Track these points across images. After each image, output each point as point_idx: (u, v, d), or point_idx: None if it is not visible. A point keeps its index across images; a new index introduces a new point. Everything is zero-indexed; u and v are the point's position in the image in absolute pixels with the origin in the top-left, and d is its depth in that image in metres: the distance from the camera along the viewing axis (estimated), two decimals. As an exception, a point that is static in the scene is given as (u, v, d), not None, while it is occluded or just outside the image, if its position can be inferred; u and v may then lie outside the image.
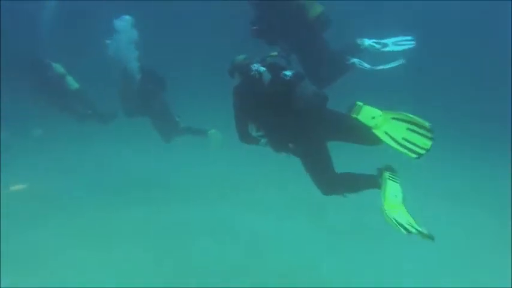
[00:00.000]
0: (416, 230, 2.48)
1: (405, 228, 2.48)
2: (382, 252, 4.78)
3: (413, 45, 4.26)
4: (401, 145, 2.64)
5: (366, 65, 4.17)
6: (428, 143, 2.60)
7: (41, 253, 4.90)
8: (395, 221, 2.53)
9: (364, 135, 2.89)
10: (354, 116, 2.78)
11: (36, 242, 5.15)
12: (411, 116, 2.66)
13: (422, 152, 2.60)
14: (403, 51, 4.24)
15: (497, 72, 10.40)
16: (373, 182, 2.97)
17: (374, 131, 2.73)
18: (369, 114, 2.74)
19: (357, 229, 5.46)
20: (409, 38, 4.29)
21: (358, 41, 4.30)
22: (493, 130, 8.53)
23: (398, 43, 4.27)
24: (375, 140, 2.84)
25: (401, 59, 4.13)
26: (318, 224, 5.67)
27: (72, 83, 6.55)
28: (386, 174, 2.83)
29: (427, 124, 2.61)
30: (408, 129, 2.64)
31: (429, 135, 2.60)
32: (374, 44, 4.24)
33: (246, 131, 3.33)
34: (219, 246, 5.13)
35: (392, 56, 4.21)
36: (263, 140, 3.33)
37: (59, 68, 6.52)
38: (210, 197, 6.54)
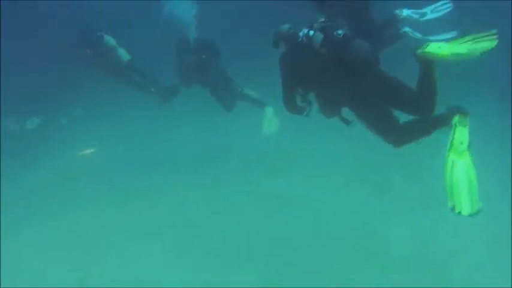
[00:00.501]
0: (472, 196, 2.48)
1: (462, 185, 2.49)
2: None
3: (450, 8, 4.35)
4: (467, 53, 2.69)
5: (417, 34, 4.27)
6: (493, 43, 2.65)
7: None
8: (456, 174, 2.55)
9: (418, 101, 2.95)
10: (422, 50, 2.81)
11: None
12: (477, 34, 2.73)
13: (489, 48, 2.65)
14: (443, 16, 4.34)
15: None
16: (443, 121, 2.86)
17: (441, 54, 2.76)
18: (435, 46, 2.80)
19: (423, 197, 5.18)
20: (446, 1, 4.37)
21: (397, 11, 4.35)
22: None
23: (436, 9, 4.35)
24: (428, 107, 2.93)
25: (454, 31, 4.11)
26: (383, 193, 5.50)
27: (124, 54, 6.67)
28: (456, 118, 2.77)
29: (493, 31, 2.67)
30: (474, 41, 2.71)
31: (494, 37, 2.66)
32: (412, 14, 4.32)
33: (293, 101, 3.30)
34: (285, 215, 5.18)
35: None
36: (309, 109, 3.30)
37: (110, 40, 6.61)
38: (275, 168, 6.43)
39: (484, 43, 2.67)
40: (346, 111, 3.21)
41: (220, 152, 6.98)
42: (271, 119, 5.94)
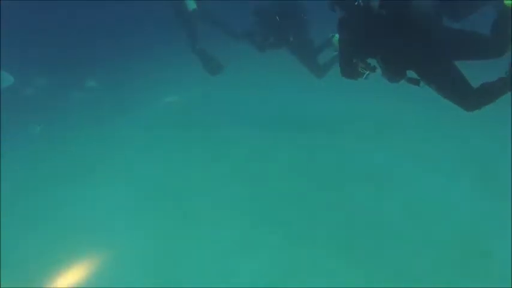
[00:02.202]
0: None
1: None
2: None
3: None
4: None
5: None
6: None
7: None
8: None
9: (487, 45, 2.78)
10: None
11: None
12: None
13: None
14: None
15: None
16: None
17: None
18: None
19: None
20: None
21: None
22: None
23: None
24: (500, 49, 2.75)
25: None
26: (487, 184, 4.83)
27: (191, 3, 6.46)
28: None
29: None
30: None
31: None
32: None
33: (351, 65, 3.14)
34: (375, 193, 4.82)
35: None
36: (368, 72, 3.12)
37: None
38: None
39: None
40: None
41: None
42: None
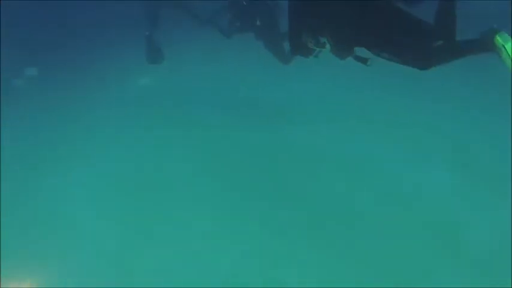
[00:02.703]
0: None
1: None
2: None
3: None
4: None
5: None
6: None
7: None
8: None
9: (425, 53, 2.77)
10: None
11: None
12: None
13: None
14: None
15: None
16: (481, 45, 2.69)
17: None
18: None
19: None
20: None
21: None
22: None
23: None
24: (429, 63, 2.77)
25: None
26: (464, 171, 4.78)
27: None
28: (498, 37, 2.60)
29: None
30: None
31: None
32: None
33: (301, 41, 3.06)
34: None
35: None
36: (318, 49, 3.06)
37: None
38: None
39: None
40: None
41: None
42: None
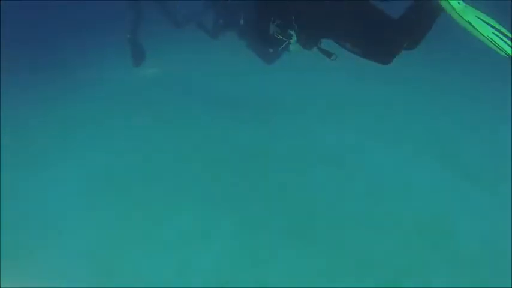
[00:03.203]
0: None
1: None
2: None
3: None
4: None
5: None
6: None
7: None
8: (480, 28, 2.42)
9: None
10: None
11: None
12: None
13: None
14: None
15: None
16: (431, 10, 2.62)
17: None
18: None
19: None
20: None
21: None
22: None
23: None
24: (390, 55, 2.68)
25: None
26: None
27: None
28: None
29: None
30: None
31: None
32: None
33: (268, 32, 3.11)
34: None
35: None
36: (288, 42, 3.05)
37: None
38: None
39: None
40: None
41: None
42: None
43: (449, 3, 2.48)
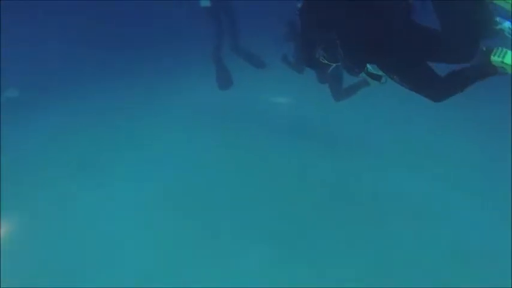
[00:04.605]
0: None
1: None
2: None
3: None
4: None
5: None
6: None
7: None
8: None
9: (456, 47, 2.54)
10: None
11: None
12: None
13: None
14: None
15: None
16: (484, 67, 2.50)
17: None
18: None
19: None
20: None
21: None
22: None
23: None
24: (468, 54, 2.55)
25: None
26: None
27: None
28: (495, 57, 2.43)
29: None
30: None
31: None
32: None
33: (314, 55, 2.97)
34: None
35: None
36: (333, 65, 2.95)
37: None
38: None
39: None
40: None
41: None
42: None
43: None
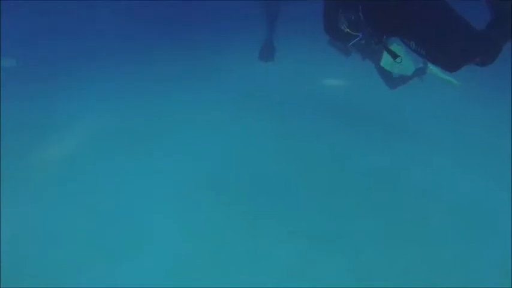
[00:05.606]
0: None
1: None
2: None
3: None
4: None
5: None
6: None
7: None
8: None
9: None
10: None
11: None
12: None
13: None
14: None
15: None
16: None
17: None
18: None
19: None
20: None
21: None
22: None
23: None
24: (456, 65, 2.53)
25: None
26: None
27: None
28: None
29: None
30: None
31: None
32: None
33: (335, 23, 2.88)
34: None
35: None
36: (355, 37, 2.87)
37: None
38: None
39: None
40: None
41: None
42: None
43: None
